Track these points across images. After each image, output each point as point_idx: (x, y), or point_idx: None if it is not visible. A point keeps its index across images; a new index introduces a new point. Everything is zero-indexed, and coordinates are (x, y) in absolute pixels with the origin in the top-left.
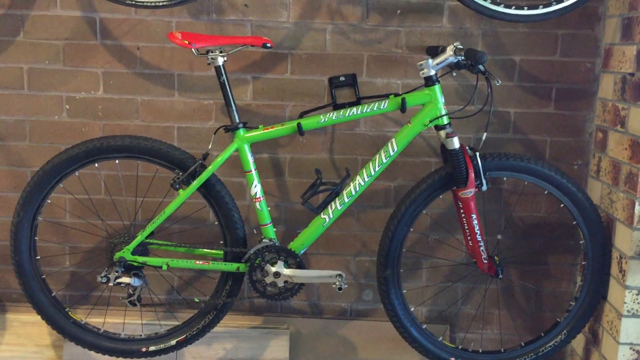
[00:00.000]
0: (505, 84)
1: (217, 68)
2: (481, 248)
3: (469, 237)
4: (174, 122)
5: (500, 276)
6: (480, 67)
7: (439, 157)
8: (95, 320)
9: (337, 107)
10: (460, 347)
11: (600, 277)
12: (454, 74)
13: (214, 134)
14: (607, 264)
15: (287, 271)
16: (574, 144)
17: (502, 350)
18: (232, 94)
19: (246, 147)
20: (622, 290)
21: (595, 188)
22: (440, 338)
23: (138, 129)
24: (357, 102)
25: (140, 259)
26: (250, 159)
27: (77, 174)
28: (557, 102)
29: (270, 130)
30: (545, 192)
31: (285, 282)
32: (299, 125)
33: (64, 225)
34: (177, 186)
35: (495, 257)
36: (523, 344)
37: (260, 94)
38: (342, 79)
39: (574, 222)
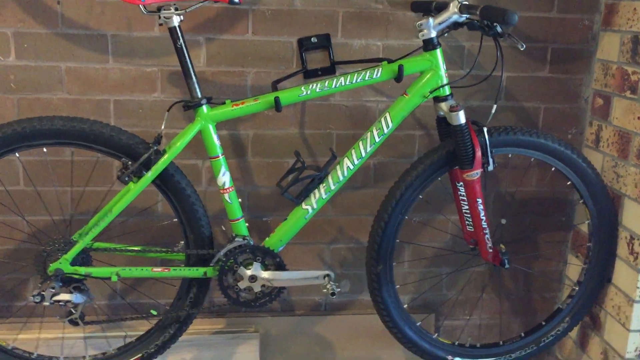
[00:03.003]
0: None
1: (172, 30)
2: (486, 236)
3: (468, 223)
4: (109, 94)
5: (507, 266)
6: (499, 28)
7: (423, 130)
8: (25, 337)
9: (308, 74)
10: (456, 343)
11: (606, 259)
12: (445, 35)
13: (168, 110)
14: (614, 245)
15: (264, 274)
16: (568, 111)
17: (501, 342)
18: (191, 62)
19: (211, 128)
20: (635, 274)
21: (594, 159)
22: (436, 335)
23: (63, 104)
24: (331, 68)
25: (83, 270)
26: (216, 141)
27: None
28: (552, 65)
29: (240, 106)
30: (552, 169)
31: (263, 286)
32: (276, 99)
33: None
34: (127, 178)
35: (501, 245)
36: (523, 334)
37: (216, 59)
38: (313, 40)
39: (581, 201)
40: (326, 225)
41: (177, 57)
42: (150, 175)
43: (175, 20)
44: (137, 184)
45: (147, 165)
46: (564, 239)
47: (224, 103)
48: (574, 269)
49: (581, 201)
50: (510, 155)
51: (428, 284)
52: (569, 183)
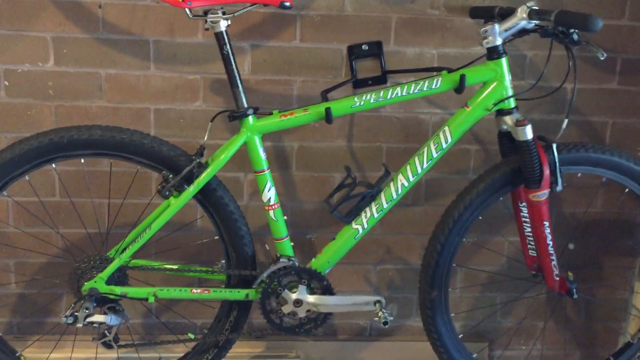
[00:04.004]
0: (562, 53)
1: (219, 35)
2: (553, 262)
3: (531, 247)
4: (149, 102)
5: (575, 296)
6: (575, 35)
7: (480, 144)
8: (57, 356)
9: (358, 83)
10: None
11: None
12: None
13: (211, 121)
14: None
15: (310, 298)
16: (638, 126)
17: None
18: (238, 70)
19: (257, 140)
20: None
21: None
22: None
23: (102, 112)
24: (382, 77)
25: (119, 289)
26: (262, 154)
27: (27, 177)
28: (622, 76)
29: (289, 117)
30: (626, 190)
31: (308, 311)
32: (327, 110)
33: (7, 236)
34: (167, 192)
35: (569, 274)
36: None
37: (261, 66)
38: (364, 47)
39: None
40: (373, 245)
41: (223, 64)
42: (192, 189)
43: (222, 25)
44: (178, 199)
45: (189, 179)
46: (630, 265)
47: (271, 114)
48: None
49: None
50: (579, 175)
51: (482, 311)
52: None
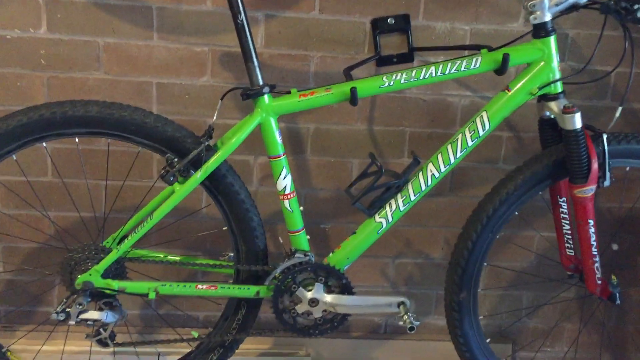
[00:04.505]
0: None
1: (233, 2)
2: (596, 265)
3: (569, 246)
4: (151, 76)
5: (618, 302)
6: None
7: (512, 131)
8: (49, 348)
9: (382, 60)
10: None
11: None
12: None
13: (221, 99)
14: None
15: (327, 297)
16: None
17: None
18: (253, 43)
19: (272, 122)
20: None
21: None
22: None
23: (100, 84)
24: (409, 55)
25: (116, 284)
26: (278, 138)
27: (14, 157)
28: None
29: (309, 97)
30: None
31: (324, 311)
32: (352, 90)
33: None
34: (172, 178)
35: (613, 277)
36: None
37: (276, 39)
38: (390, 21)
39: None
40: (391, 237)
41: (237, 35)
42: (200, 175)
43: None
44: (184, 186)
45: (196, 164)
46: None
47: (289, 92)
48: None
49: None
50: (627, 169)
51: (510, 312)
52: None
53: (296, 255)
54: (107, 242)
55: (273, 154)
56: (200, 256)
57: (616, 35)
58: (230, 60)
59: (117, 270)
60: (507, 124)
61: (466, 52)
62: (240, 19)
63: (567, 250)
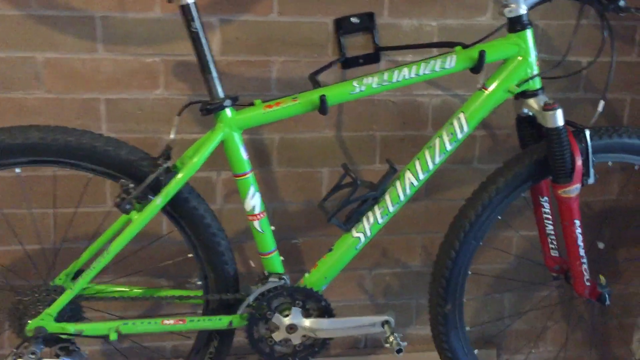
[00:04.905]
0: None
1: (186, 8)
2: (584, 266)
3: (553, 247)
4: (99, 92)
5: (608, 302)
6: (623, 1)
7: (486, 129)
8: None
9: (347, 62)
10: None
11: None
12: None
13: (178, 114)
14: None
15: (306, 322)
16: None
17: None
18: (210, 51)
19: (236, 137)
20: None
21: None
22: None
23: (41, 104)
24: (375, 55)
25: (72, 327)
26: (244, 155)
27: None
28: None
29: (275, 108)
30: None
31: (304, 337)
32: (322, 99)
33: None
34: (128, 206)
35: (601, 277)
36: None
37: (233, 45)
38: (354, 20)
39: None
40: (367, 247)
41: (192, 44)
42: (159, 202)
43: None
44: (143, 214)
45: (155, 188)
46: None
47: (252, 104)
48: None
49: None
50: (610, 163)
51: (493, 316)
52: None
53: (270, 279)
54: (60, 279)
55: (239, 172)
56: (166, 286)
57: (587, 23)
58: (185, 70)
59: (73, 311)
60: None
61: (435, 50)
62: (195, 27)
63: (551, 251)
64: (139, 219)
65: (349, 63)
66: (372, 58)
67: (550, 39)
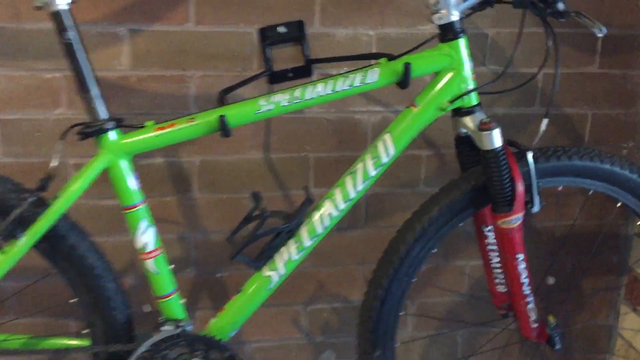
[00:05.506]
0: (528, 30)
1: (57, 15)
2: (529, 305)
3: (499, 283)
4: None
5: (558, 347)
6: (561, 5)
7: (432, 149)
8: None
9: (275, 77)
10: None
11: None
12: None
13: (61, 138)
14: None
15: None
16: (624, 118)
17: None
18: (89, 66)
19: (124, 165)
20: None
21: None
22: None
23: None
24: (305, 68)
25: None
26: (132, 184)
27: None
28: (604, 58)
29: (167, 130)
30: (618, 204)
31: None
32: (221, 119)
33: None
34: None
35: (550, 318)
36: None
37: (145, 58)
38: (281, 30)
39: None
40: (301, 280)
41: (67, 58)
42: (24, 241)
43: (60, 1)
44: (9, 254)
45: (25, 223)
46: (615, 284)
47: (143, 126)
48: (630, 322)
49: None
50: (560, 188)
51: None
52: (639, 223)
53: (165, 326)
54: None
55: (127, 204)
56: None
57: (541, 32)
58: None
59: None
60: (425, 141)
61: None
62: (68, 37)
63: (498, 286)
64: (5, 260)
65: (276, 77)
66: (302, 71)
67: (502, 49)
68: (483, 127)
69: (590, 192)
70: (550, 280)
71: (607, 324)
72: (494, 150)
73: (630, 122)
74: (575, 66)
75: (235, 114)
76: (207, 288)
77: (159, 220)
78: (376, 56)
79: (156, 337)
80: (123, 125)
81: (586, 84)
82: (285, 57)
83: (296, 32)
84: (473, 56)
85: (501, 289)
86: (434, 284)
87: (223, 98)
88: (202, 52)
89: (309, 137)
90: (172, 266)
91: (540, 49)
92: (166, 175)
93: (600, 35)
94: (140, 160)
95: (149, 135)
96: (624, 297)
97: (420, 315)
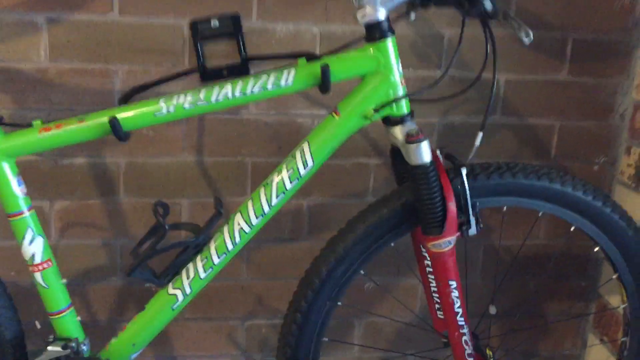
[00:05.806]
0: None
1: None
2: (464, 337)
3: (439, 308)
4: None
5: None
6: (489, 4)
7: (381, 157)
8: None
9: (207, 74)
10: None
11: None
12: (412, 18)
13: None
14: None
15: None
16: (595, 131)
17: None
18: None
19: (5, 167)
20: None
21: (633, 205)
22: None
23: None
24: (242, 66)
25: None
26: (16, 189)
27: None
28: (574, 64)
29: (53, 132)
30: (572, 228)
31: None
32: (113, 122)
33: None
34: None
35: (488, 351)
36: None
37: (65, 50)
38: (214, 24)
39: (615, 275)
40: (239, 294)
41: None
42: None
43: None
44: None
45: None
46: (582, 311)
47: (30, 125)
48: (597, 353)
49: (615, 275)
50: (505, 208)
51: None
52: (596, 249)
53: (52, 345)
54: None
55: (11, 211)
56: None
57: (505, 33)
58: (5, 79)
59: None
60: (374, 148)
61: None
62: None
63: (438, 312)
64: None
65: (209, 75)
66: (238, 69)
67: (460, 51)
68: (410, 139)
69: (540, 214)
70: (492, 310)
71: (573, 353)
72: (422, 166)
73: (602, 135)
74: (542, 72)
75: (130, 116)
76: (135, 299)
77: (82, 225)
78: (297, 57)
79: (41, 358)
80: (4, 123)
81: (554, 92)
82: (220, 53)
83: (231, 27)
84: (427, 58)
85: (441, 315)
86: (382, 304)
87: (127, 97)
88: (128, 45)
89: (246, 140)
90: (64, 281)
91: (502, 51)
92: (89, 177)
93: (526, 41)
94: (58, 160)
95: (33, 137)
96: (592, 325)
97: (340, 342)
